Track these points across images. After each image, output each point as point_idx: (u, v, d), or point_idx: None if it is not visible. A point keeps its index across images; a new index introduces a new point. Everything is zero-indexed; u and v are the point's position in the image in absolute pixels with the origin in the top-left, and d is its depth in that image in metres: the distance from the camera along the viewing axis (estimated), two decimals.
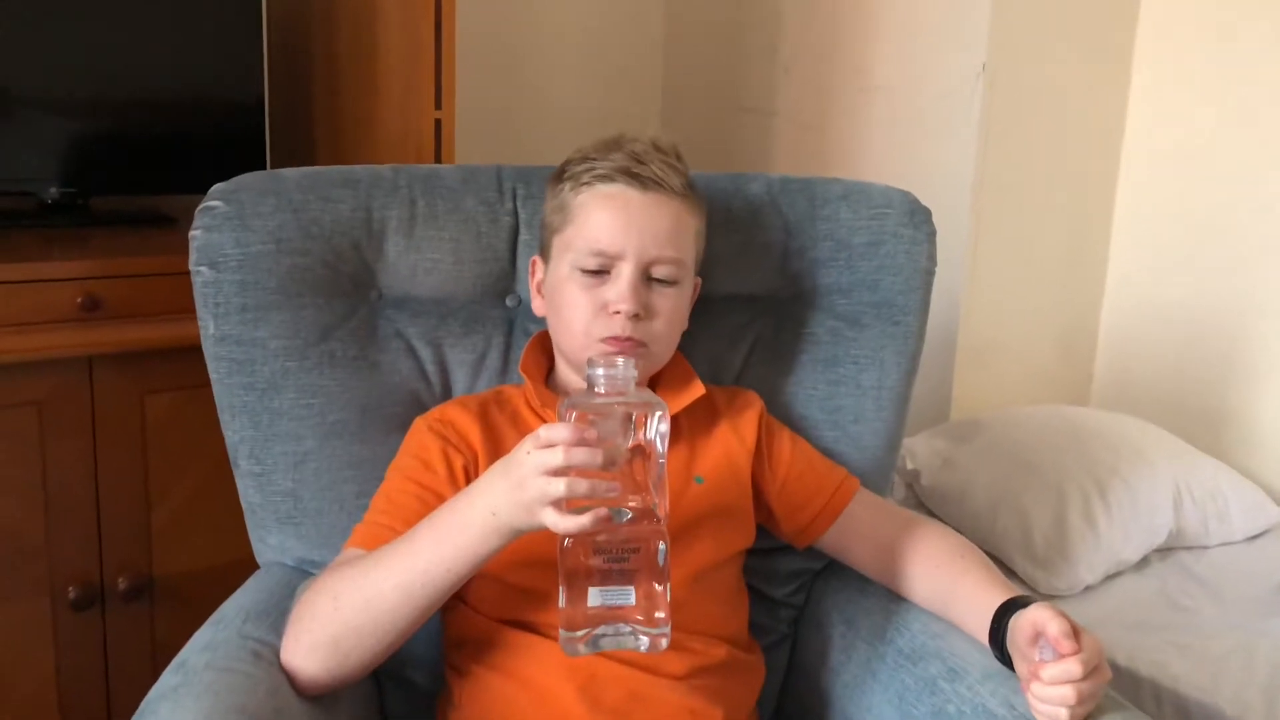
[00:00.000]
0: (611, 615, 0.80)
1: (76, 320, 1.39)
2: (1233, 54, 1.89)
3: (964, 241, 1.86)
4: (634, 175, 0.97)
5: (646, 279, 0.98)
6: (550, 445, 0.77)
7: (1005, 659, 0.92)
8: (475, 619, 0.96)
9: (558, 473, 0.76)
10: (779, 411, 1.15)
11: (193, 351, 1.07)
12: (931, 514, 1.70)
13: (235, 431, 1.07)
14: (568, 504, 0.77)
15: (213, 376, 1.06)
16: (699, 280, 1.07)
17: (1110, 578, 1.58)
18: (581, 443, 0.76)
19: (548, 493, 0.77)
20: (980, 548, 1.05)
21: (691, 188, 1.02)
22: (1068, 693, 0.82)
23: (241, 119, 1.72)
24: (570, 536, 0.79)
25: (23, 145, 1.59)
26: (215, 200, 1.05)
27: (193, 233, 1.04)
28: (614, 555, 0.80)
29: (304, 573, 1.07)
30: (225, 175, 1.08)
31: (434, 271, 1.12)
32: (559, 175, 1.02)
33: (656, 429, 0.80)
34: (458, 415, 1.00)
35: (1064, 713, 0.83)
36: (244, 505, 1.09)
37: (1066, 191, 2.01)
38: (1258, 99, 1.86)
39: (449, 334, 1.13)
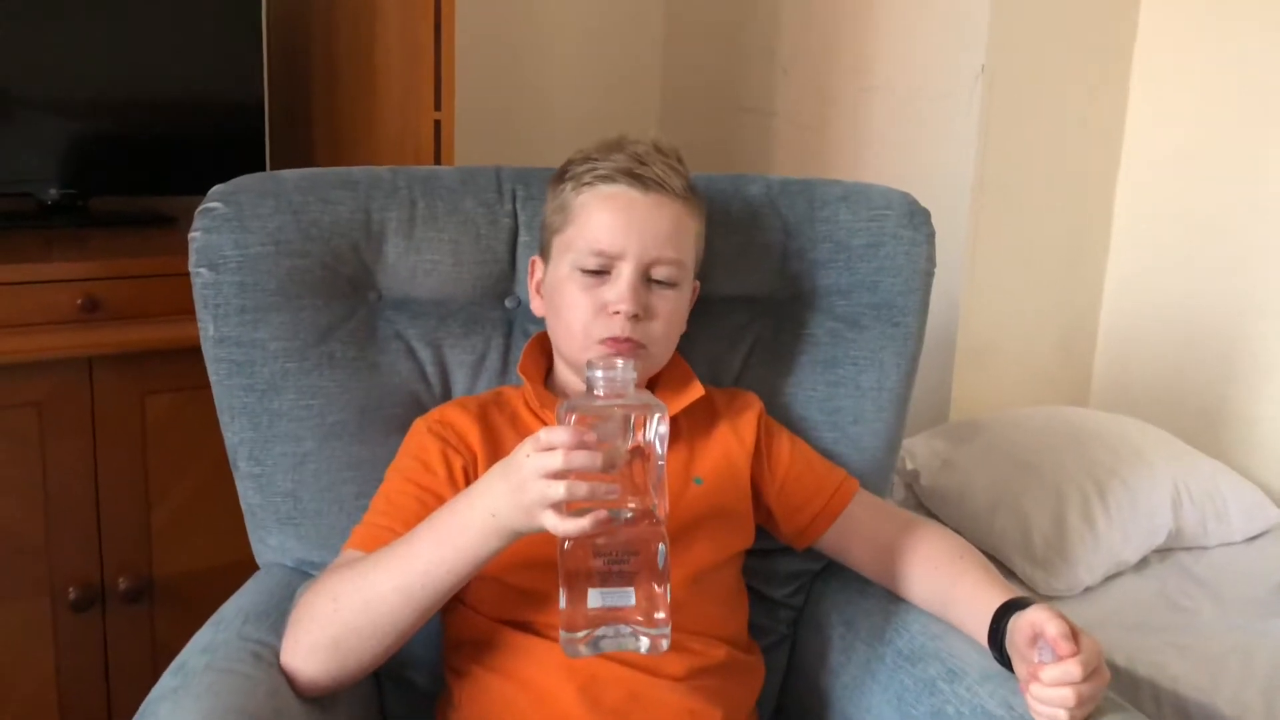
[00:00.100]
0: (612, 616, 0.80)
1: (76, 321, 1.39)
2: (1232, 54, 1.89)
3: (963, 242, 1.86)
4: (636, 176, 0.97)
5: (646, 280, 0.98)
6: (550, 448, 0.77)
7: (1004, 660, 0.92)
8: (475, 620, 0.96)
9: (557, 476, 0.77)
10: (778, 412, 1.15)
11: (192, 352, 1.07)
12: (931, 515, 1.71)
13: (235, 433, 1.07)
14: (568, 506, 0.77)
15: (212, 378, 1.07)
16: (698, 284, 1.07)
17: (1109, 579, 1.58)
18: (581, 446, 0.76)
19: (547, 496, 0.77)
20: (979, 549, 1.05)
21: (692, 190, 1.02)
22: (1067, 694, 0.82)
23: (241, 120, 1.72)
24: (570, 539, 0.79)
25: (22, 146, 1.59)
26: (214, 202, 1.05)
27: (192, 234, 1.05)
28: (614, 557, 0.80)
29: (304, 574, 1.07)
30: (225, 176, 1.08)
31: (433, 273, 1.12)
32: (560, 175, 1.02)
33: (656, 431, 0.80)
34: (457, 417, 1.00)
35: (1063, 714, 0.83)
36: (244, 506, 1.09)
37: (1066, 192, 2.01)
38: (1257, 99, 1.86)
39: (448, 335, 1.13)
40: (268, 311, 1.05)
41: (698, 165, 1.05)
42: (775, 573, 1.16)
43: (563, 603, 0.81)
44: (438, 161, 1.58)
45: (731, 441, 1.05)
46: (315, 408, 1.06)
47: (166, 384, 1.45)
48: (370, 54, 1.68)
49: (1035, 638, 0.86)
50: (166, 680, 0.88)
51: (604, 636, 0.81)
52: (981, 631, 0.94)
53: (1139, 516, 1.59)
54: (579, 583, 0.80)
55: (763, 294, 1.19)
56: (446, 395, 1.12)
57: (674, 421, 1.01)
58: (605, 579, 0.80)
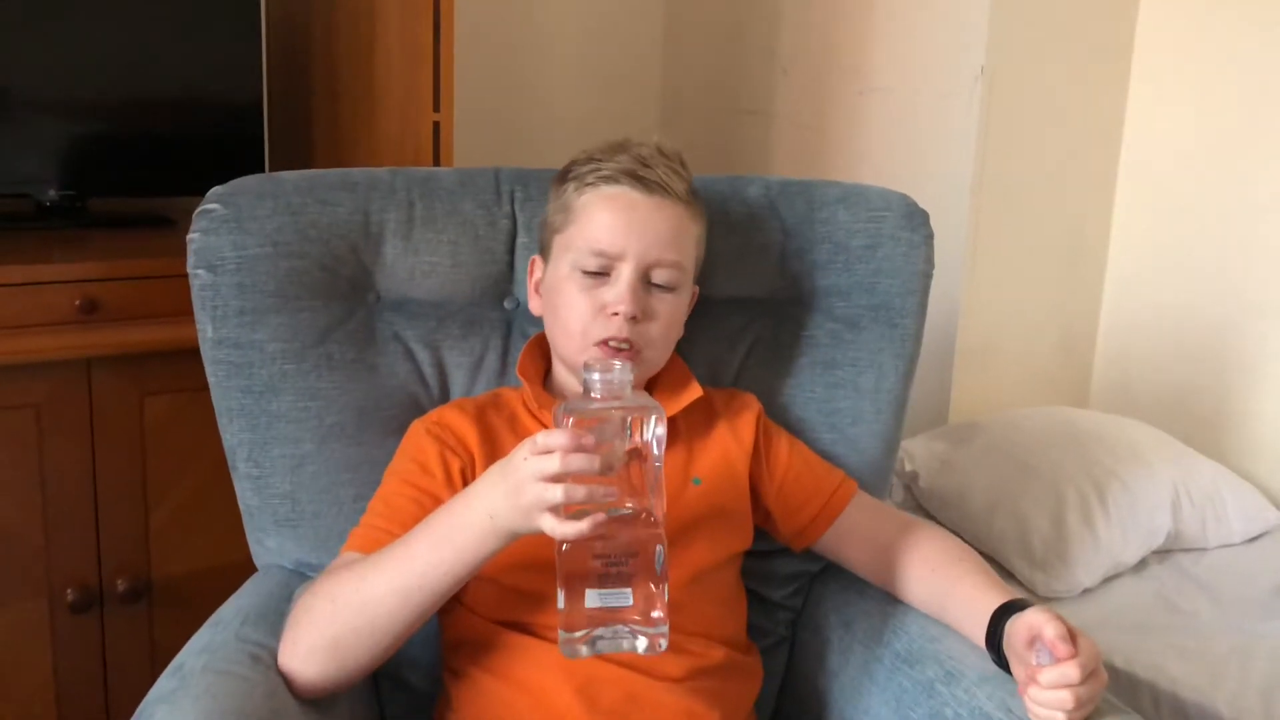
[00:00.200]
0: (610, 616, 0.81)
1: (75, 322, 1.39)
2: (1231, 55, 1.89)
3: (963, 243, 1.86)
4: (638, 178, 0.97)
5: (646, 283, 0.98)
6: (547, 451, 0.77)
7: (1002, 662, 0.92)
8: (473, 621, 0.96)
9: (555, 479, 0.77)
10: (777, 413, 1.15)
11: (191, 354, 1.07)
12: (930, 516, 1.71)
13: (233, 434, 1.07)
14: (566, 509, 0.77)
15: (210, 379, 1.07)
16: (697, 289, 1.07)
17: (1108, 580, 1.58)
18: (579, 449, 0.76)
19: (545, 499, 0.77)
20: (978, 550, 1.05)
21: (694, 194, 1.02)
22: (1065, 697, 0.82)
23: (240, 121, 1.72)
24: (568, 541, 0.79)
25: (21, 147, 1.59)
26: (213, 203, 1.05)
27: (190, 236, 1.05)
28: (612, 558, 0.80)
29: (302, 575, 1.07)
30: (224, 177, 1.08)
31: (432, 274, 1.12)
32: (563, 175, 1.03)
33: (653, 432, 0.80)
34: (455, 418, 1.00)
35: (1061, 717, 0.83)
36: (242, 508, 1.09)
37: (1065, 193, 2.01)
38: (1256, 100, 1.86)
39: (447, 336, 1.13)
40: (266, 313, 1.05)
41: (697, 166, 1.05)
42: (774, 574, 1.16)
43: (561, 603, 0.81)
44: (437, 162, 1.58)
45: (730, 442, 1.05)
46: (314, 409, 1.06)
47: (165, 385, 1.45)
48: (370, 55, 1.68)
49: (1033, 640, 0.86)
50: (164, 682, 0.87)
51: (602, 637, 0.81)
52: (979, 633, 0.94)
53: (1138, 518, 1.59)
54: (577, 584, 0.80)
55: (762, 295, 1.19)
56: (445, 397, 1.12)
57: (672, 422, 1.01)
58: (603, 580, 0.80)
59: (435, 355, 1.12)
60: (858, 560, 1.08)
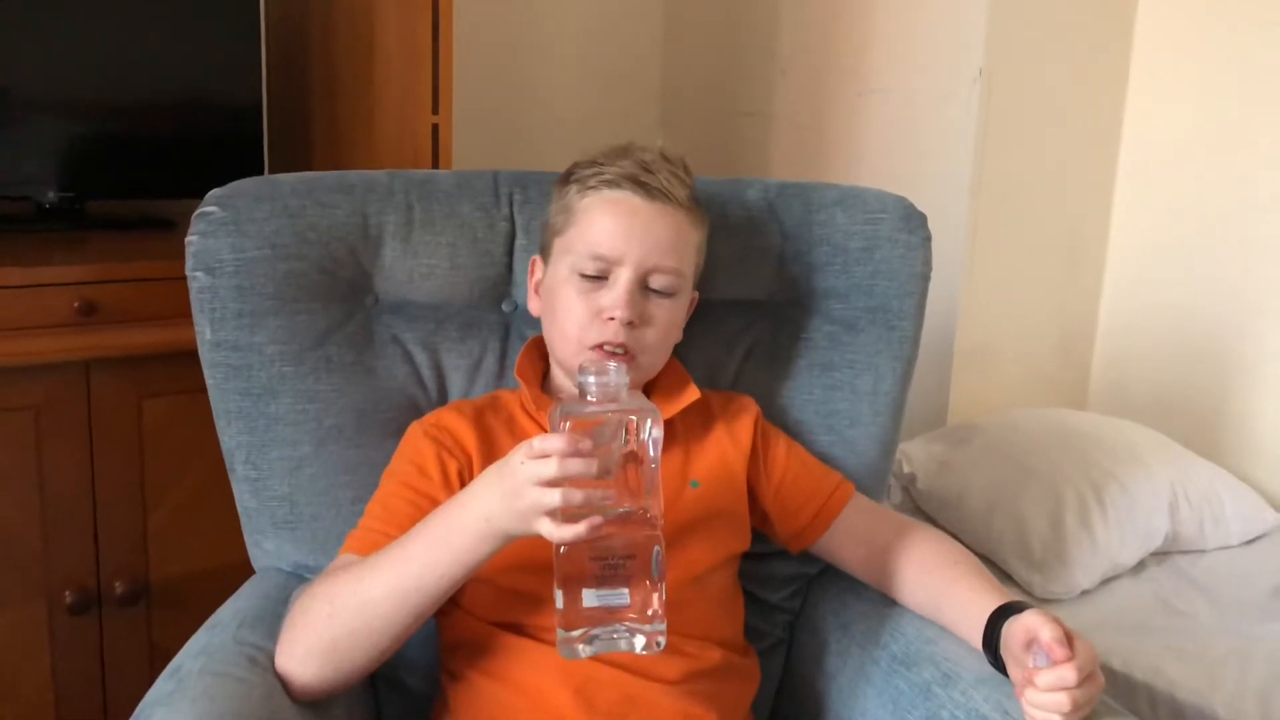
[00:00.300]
0: (608, 616, 0.81)
1: (74, 325, 1.39)
2: (1230, 55, 1.89)
3: (961, 244, 1.86)
4: (640, 184, 0.97)
5: (644, 288, 0.98)
6: (544, 456, 0.77)
7: (999, 664, 0.92)
8: (470, 622, 0.96)
9: (552, 483, 0.77)
10: (775, 416, 1.15)
11: (190, 356, 1.07)
12: (928, 518, 1.71)
13: (231, 436, 1.07)
14: (563, 512, 0.77)
15: (209, 382, 1.07)
16: (696, 295, 1.07)
17: (1106, 582, 1.58)
18: (576, 453, 0.76)
19: (543, 503, 0.77)
20: (976, 552, 1.06)
21: (696, 200, 1.02)
22: (1062, 699, 0.82)
23: (239, 123, 1.72)
24: (566, 544, 0.79)
25: (20, 149, 1.59)
26: (211, 206, 1.05)
27: (189, 238, 1.05)
28: (610, 560, 0.81)
29: (300, 578, 1.07)
30: (223, 179, 1.08)
31: (430, 277, 1.12)
32: (566, 177, 1.03)
33: (649, 434, 0.81)
34: (452, 420, 1.01)
35: (1058, 719, 0.83)
36: (240, 510, 1.09)
37: (1064, 195, 2.01)
38: (1254, 102, 1.86)
39: (445, 339, 1.13)
40: (264, 315, 1.05)
41: (696, 167, 1.05)
42: (772, 576, 1.16)
43: (559, 603, 0.81)
44: (436, 164, 1.58)
45: (727, 445, 1.06)
46: (312, 412, 1.06)
47: (163, 387, 1.45)
48: (369, 57, 1.68)
49: (1030, 642, 0.86)
50: (161, 684, 0.88)
51: (599, 636, 0.81)
52: (976, 635, 0.95)
53: (1136, 520, 1.59)
54: (575, 584, 0.81)
55: (760, 297, 1.19)
56: (443, 399, 1.12)
57: (670, 425, 1.01)
58: (601, 580, 0.80)
59: (433, 358, 1.12)
60: (855, 562, 1.08)
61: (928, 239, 1.17)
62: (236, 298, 1.04)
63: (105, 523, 1.44)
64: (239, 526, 1.10)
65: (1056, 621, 0.85)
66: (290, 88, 1.85)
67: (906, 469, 1.75)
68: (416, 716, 1.05)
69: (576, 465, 0.76)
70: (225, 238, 1.04)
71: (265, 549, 1.09)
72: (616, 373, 0.82)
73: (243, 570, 1.09)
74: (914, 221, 1.17)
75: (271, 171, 1.71)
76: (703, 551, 1.00)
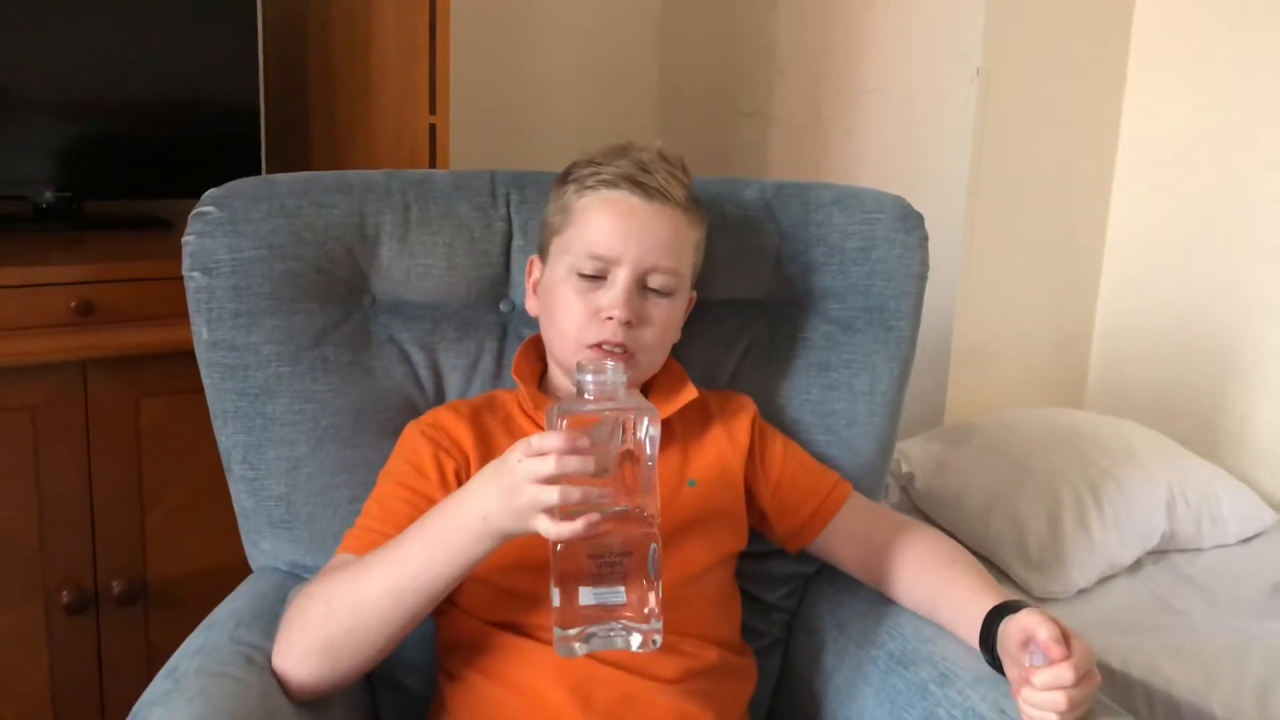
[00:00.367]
0: (604, 614, 0.81)
1: (71, 325, 1.39)
2: (1227, 56, 1.89)
3: (959, 244, 1.86)
4: (638, 183, 0.97)
5: (642, 287, 0.98)
6: (542, 454, 0.77)
7: (996, 664, 0.92)
8: (467, 622, 0.96)
9: (550, 481, 0.77)
10: (772, 415, 1.15)
11: (187, 356, 1.07)
12: (926, 517, 1.71)
13: (228, 436, 1.07)
14: (560, 510, 0.78)
15: (206, 382, 1.07)
16: (694, 294, 1.07)
17: (1103, 580, 1.58)
18: (574, 451, 0.77)
19: (540, 500, 0.77)
20: (974, 551, 1.06)
21: (694, 200, 1.02)
22: (1059, 698, 0.82)
23: (237, 123, 1.72)
24: (563, 542, 0.79)
25: (18, 149, 1.59)
26: (208, 206, 1.05)
27: (186, 238, 1.05)
28: (606, 558, 0.81)
29: (297, 577, 1.07)
30: (220, 179, 1.08)
31: (427, 276, 1.12)
32: (564, 177, 1.03)
33: (646, 432, 0.81)
34: (449, 420, 1.01)
35: (1054, 718, 0.83)
36: (237, 510, 1.09)
37: (1061, 194, 2.01)
38: (1252, 102, 1.87)
39: (442, 339, 1.13)
40: (261, 315, 1.05)
41: (694, 167, 1.05)
42: (769, 575, 1.17)
43: (555, 601, 0.81)
44: (433, 164, 1.58)
45: (725, 444, 1.06)
46: (309, 412, 1.06)
47: (160, 388, 1.45)
48: (366, 57, 1.68)
49: (1027, 641, 0.86)
50: (158, 684, 0.88)
51: (596, 634, 0.82)
52: (973, 635, 0.95)
53: (1133, 519, 1.60)
54: (571, 582, 0.81)
55: (757, 297, 1.19)
56: (440, 399, 1.12)
57: (668, 424, 1.01)
58: (598, 578, 0.81)
59: (431, 357, 1.12)
60: (852, 562, 1.09)
61: (925, 239, 1.18)
62: (233, 298, 1.04)
63: (102, 523, 1.44)
64: (236, 526, 1.10)
65: (1053, 620, 0.85)
66: (288, 88, 1.85)
67: (904, 468, 1.75)
68: (414, 716, 1.05)
69: (574, 463, 0.76)
70: (222, 238, 1.04)
71: (262, 549, 1.09)
72: (614, 371, 0.82)
73: (240, 570, 1.09)
74: (911, 221, 1.17)
75: (269, 171, 1.71)
76: (700, 551, 1.00)
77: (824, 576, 1.16)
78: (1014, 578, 1.56)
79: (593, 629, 0.81)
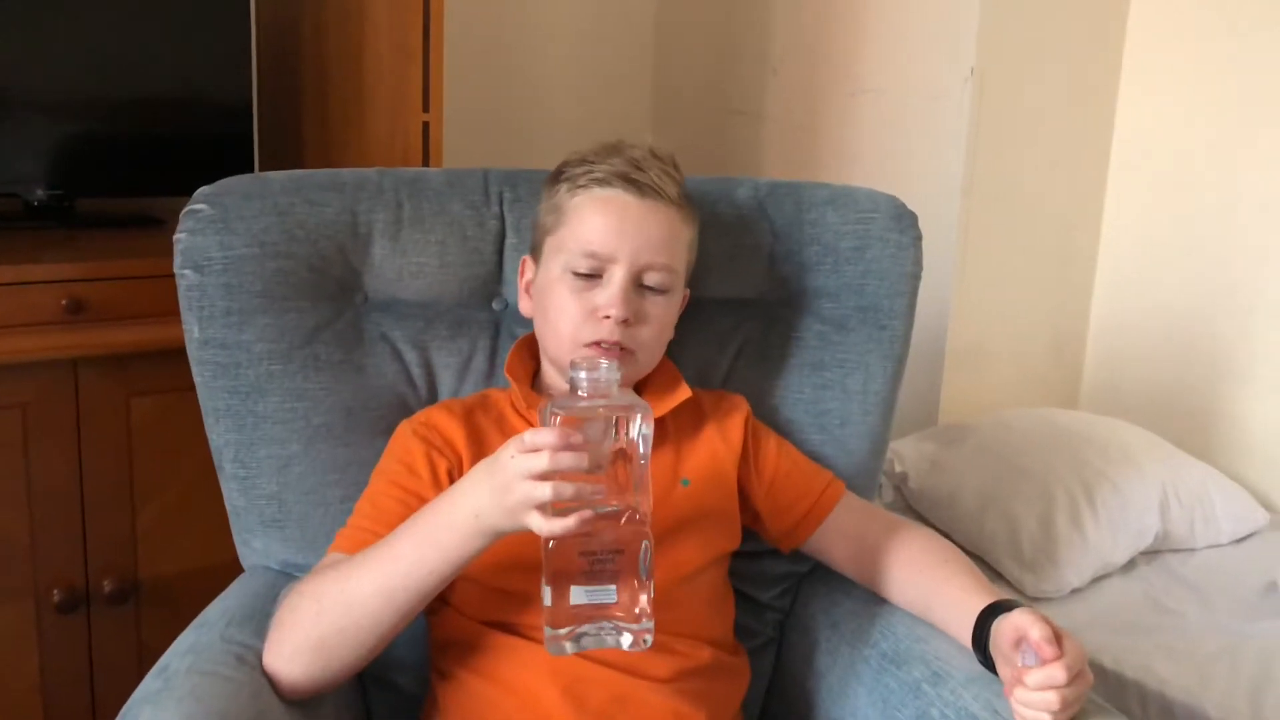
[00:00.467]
0: (595, 613, 0.81)
1: (61, 323, 1.38)
2: (1221, 57, 1.90)
3: (953, 244, 1.86)
4: (631, 181, 0.97)
5: (637, 285, 0.98)
6: (535, 450, 0.77)
7: (988, 663, 0.92)
8: (459, 621, 0.96)
9: (543, 477, 0.76)
10: (766, 414, 1.15)
11: (178, 354, 1.07)
12: (920, 517, 1.71)
13: (220, 435, 1.06)
14: (552, 506, 0.77)
15: (197, 380, 1.06)
16: (688, 291, 1.07)
17: (1097, 580, 1.58)
18: (567, 447, 0.76)
19: (533, 497, 0.77)
20: (968, 551, 1.06)
21: (687, 198, 1.02)
22: (1051, 698, 0.82)
23: (229, 121, 1.71)
24: (555, 538, 0.79)
25: (9, 147, 1.59)
26: (200, 203, 1.05)
27: (177, 236, 1.04)
28: (598, 556, 0.80)
29: (288, 576, 1.06)
30: (213, 177, 1.08)
31: (420, 275, 1.11)
32: (556, 176, 1.02)
33: (639, 430, 0.80)
34: (442, 419, 1.00)
35: (1047, 718, 0.83)
36: (229, 509, 1.09)
37: (1056, 195, 2.02)
38: (1245, 102, 1.87)
39: (435, 337, 1.13)
40: (253, 314, 1.04)
41: (688, 167, 1.05)
42: (763, 575, 1.16)
43: (547, 600, 0.81)
44: (426, 163, 1.58)
45: (718, 443, 1.05)
46: (300, 410, 1.06)
47: (152, 386, 1.44)
48: (359, 55, 1.68)
49: (1019, 641, 0.86)
50: (149, 683, 0.87)
51: (587, 633, 0.81)
52: (965, 634, 0.95)
53: (1127, 519, 1.60)
54: (563, 580, 0.80)
55: (751, 296, 1.19)
56: (433, 397, 1.12)
57: (661, 423, 1.01)
58: (589, 576, 0.80)
59: (423, 356, 1.12)
60: (845, 561, 1.08)
61: (919, 238, 1.17)
62: (225, 296, 1.04)
63: (93, 521, 1.44)
64: (227, 525, 1.10)
65: (1045, 620, 0.85)
66: (281, 86, 1.85)
67: (898, 468, 1.75)
68: (406, 715, 1.05)
69: (568, 459, 0.76)
70: (214, 235, 1.04)
71: (254, 547, 1.08)
72: (608, 369, 0.82)
73: (231, 569, 1.09)
74: (905, 221, 1.17)
75: (262, 170, 1.70)
76: (693, 550, 0.99)
77: (817, 576, 1.16)
78: (1008, 577, 1.56)
79: (584, 628, 0.81)
